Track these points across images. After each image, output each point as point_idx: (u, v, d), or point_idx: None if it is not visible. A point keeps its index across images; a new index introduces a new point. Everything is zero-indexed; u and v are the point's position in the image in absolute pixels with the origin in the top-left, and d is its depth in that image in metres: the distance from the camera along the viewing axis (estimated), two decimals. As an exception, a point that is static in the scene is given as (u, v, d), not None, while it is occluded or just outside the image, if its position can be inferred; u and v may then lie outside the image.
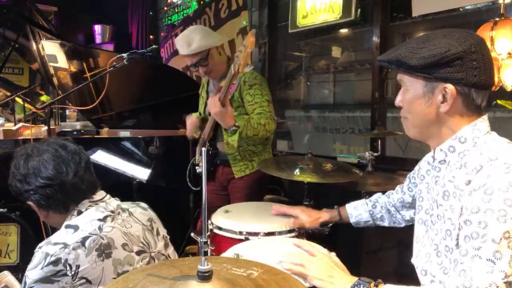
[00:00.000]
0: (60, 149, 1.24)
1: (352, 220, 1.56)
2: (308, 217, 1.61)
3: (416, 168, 1.35)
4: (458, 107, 1.04)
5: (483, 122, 1.05)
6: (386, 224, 1.53)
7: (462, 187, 0.99)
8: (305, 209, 1.70)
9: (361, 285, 1.06)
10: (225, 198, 2.48)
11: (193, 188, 2.42)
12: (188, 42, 2.20)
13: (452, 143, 1.07)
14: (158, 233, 1.38)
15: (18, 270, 2.41)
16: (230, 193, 2.47)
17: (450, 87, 1.01)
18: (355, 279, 1.09)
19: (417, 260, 1.19)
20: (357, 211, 1.57)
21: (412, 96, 1.08)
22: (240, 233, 1.66)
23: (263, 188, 2.54)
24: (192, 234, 1.79)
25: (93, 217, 1.22)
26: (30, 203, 1.25)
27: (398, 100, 1.14)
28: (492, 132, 1.06)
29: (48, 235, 2.25)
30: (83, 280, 1.12)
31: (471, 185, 0.97)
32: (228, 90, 1.94)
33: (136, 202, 1.44)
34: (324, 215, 1.61)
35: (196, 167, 2.36)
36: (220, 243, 1.69)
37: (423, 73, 1.03)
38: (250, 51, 1.71)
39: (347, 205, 1.61)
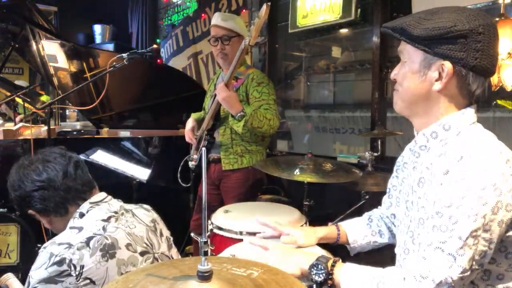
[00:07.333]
0: (47, 154, 1.30)
1: (350, 237, 1.38)
2: (303, 231, 1.38)
3: (399, 159, 1.28)
4: (451, 89, 1.01)
5: (471, 111, 1.02)
6: (386, 239, 1.37)
7: (439, 176, 0.96)
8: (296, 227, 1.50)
9: (319, 265, 1.04)
10: (218, 197, 2.48)
11: (183, 184, 2.41)
12: (226, 17, 2.31)
13: (436, 129, 1.04)
14: (161, 234, 1.39)
15: (18, 270, 2.41)
16: (222, 192, 2.47)
17: (447, 65, 0.97)
18: (315, 257, 1.07)
19: (398, 249, 1.15)
20: (353, 226, 1.40)
21: (407, 69, 1.05)
22: (240, 233, 1.66)
23: (257, 189, 2.53)
24: (192, 234, 1.80)
25: (97, 218, 1.24)
26: (31, 211, 1.29)
27: (394, 74, 1.10)
28: (477, 123, 1.03)
29: (48, 235, 2.26)
30: (87, 281, 1.12)
31: (448, 175, 0.94)
32: (235, 70, 2.02)
33: (139, 203, 1.45)
34: (320, 229, 1.39)
35: (189, 162, 2.36)
36: (220, 243, 1.69)
37: (424, 46, 0.99)
38: (262, 22, 1.76)
39: (341, 222, 1.44)
